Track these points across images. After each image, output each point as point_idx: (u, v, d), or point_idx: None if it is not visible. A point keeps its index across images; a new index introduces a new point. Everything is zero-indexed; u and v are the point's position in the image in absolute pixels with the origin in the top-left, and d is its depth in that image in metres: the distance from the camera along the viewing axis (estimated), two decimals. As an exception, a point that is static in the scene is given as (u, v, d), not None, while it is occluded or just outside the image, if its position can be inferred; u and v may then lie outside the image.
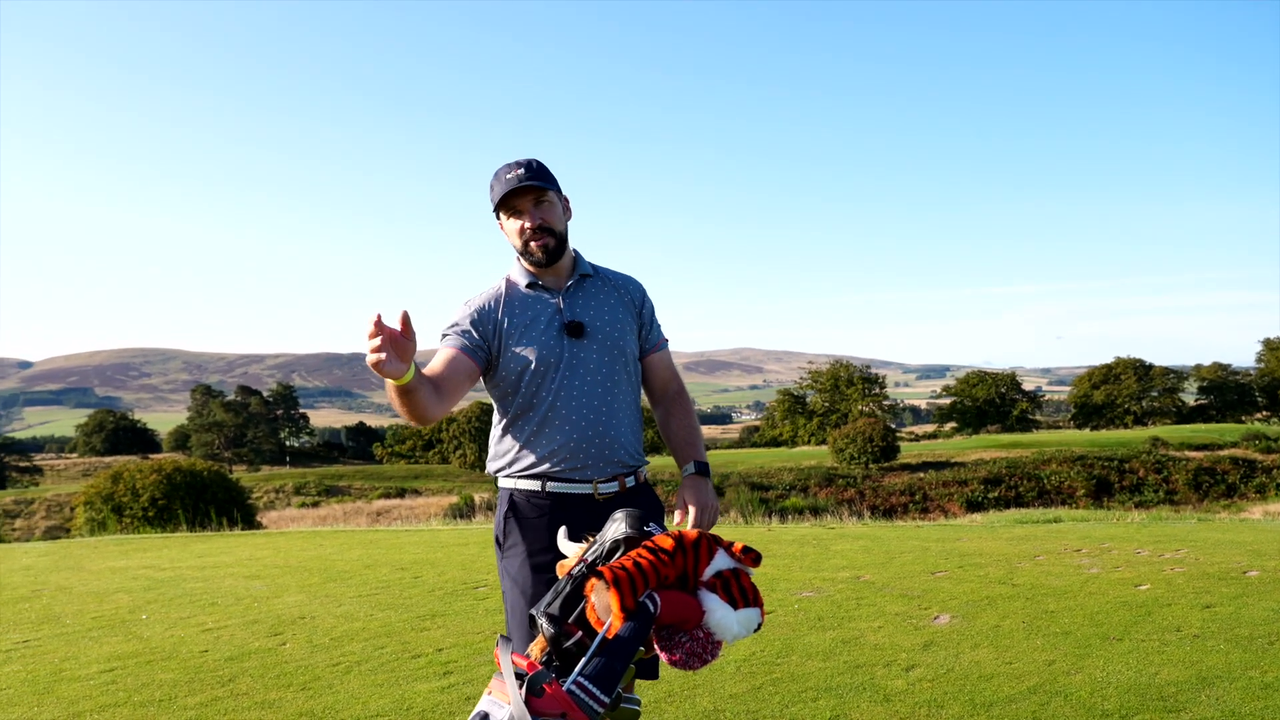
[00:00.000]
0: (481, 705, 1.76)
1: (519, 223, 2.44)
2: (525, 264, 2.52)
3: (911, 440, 67.28)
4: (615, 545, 1.93)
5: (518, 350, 2.43)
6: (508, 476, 2.47)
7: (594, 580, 1.79)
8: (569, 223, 2.54)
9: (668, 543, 1.85)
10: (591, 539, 2.08)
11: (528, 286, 2.51)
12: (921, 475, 44.07)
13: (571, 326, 2.44)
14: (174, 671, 4.55)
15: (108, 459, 75.94)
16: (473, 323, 2.45)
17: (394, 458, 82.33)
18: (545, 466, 2.41)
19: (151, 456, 63.03)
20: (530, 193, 2.42)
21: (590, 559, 1.95)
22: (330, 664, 4.58)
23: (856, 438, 47.53)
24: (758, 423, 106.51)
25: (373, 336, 1.96)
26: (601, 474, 2.41)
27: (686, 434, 2.58)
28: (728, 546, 1.90)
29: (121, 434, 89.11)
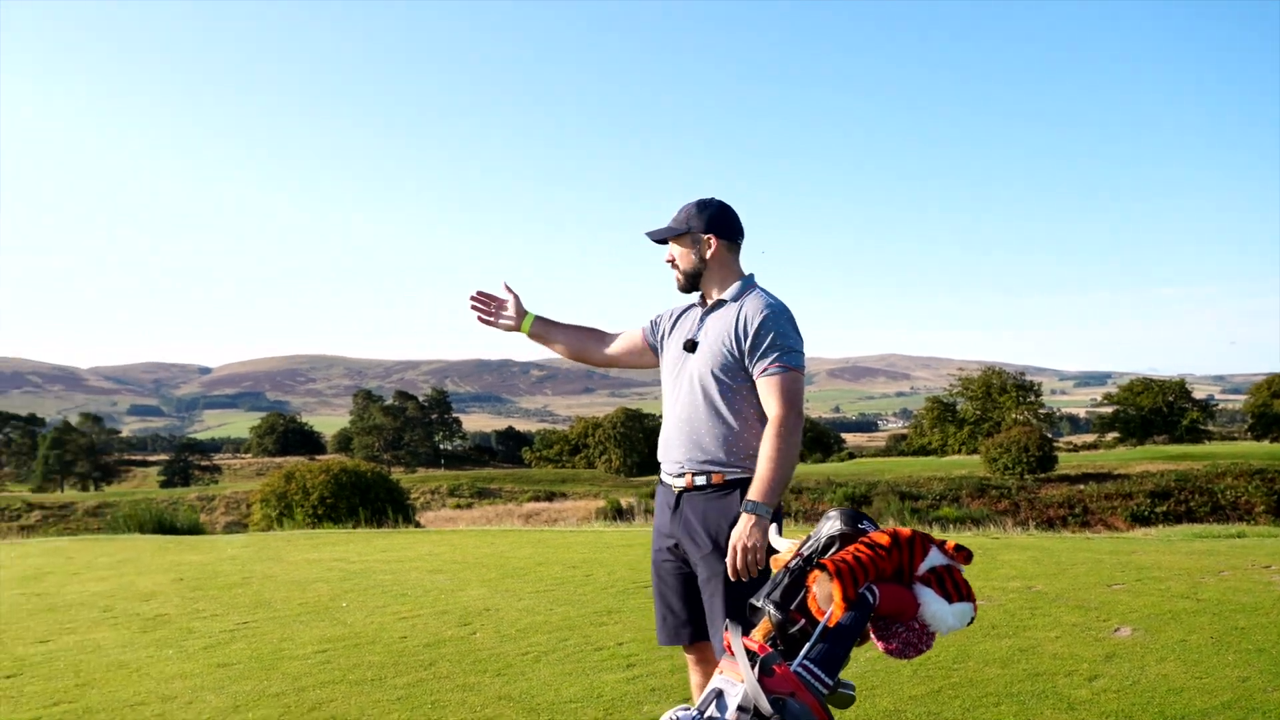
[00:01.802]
0: (715, 683, 1.95)
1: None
2: None
3: (1070, 450, 64.32)
4: (830, 540, 2.09)
5: (663, 354, 3.03)
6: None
7: (816, 572, 1.95)
8: (716, 257, 2.91)
9: (884, 539, 2.00)
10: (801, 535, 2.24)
11: (697, 303, 3.01)
12: (1082, 487, 42.11)
13: (688, 343, 2.89)
14: (379, 655, 4.96)
15: (278, 459, 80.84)
16: (659, 317, 3.12)
17: (542, 461, 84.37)
18: (661, 458, 2.91)
19: (318, 457, 66.63)
20: (666, 237, 2.96)
21: (806, 553, 2.11)
22: (520, 653, 4.88)
23: (1011, 447, 45.84)
24: (905, 431, 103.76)
25: (473, 307, 3.19)
26: (676, 469, 2.83)
27: (757, 468, 2.67)
28: (940, 544, 2.03)
29: (290, 436, 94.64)
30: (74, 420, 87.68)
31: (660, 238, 2.95)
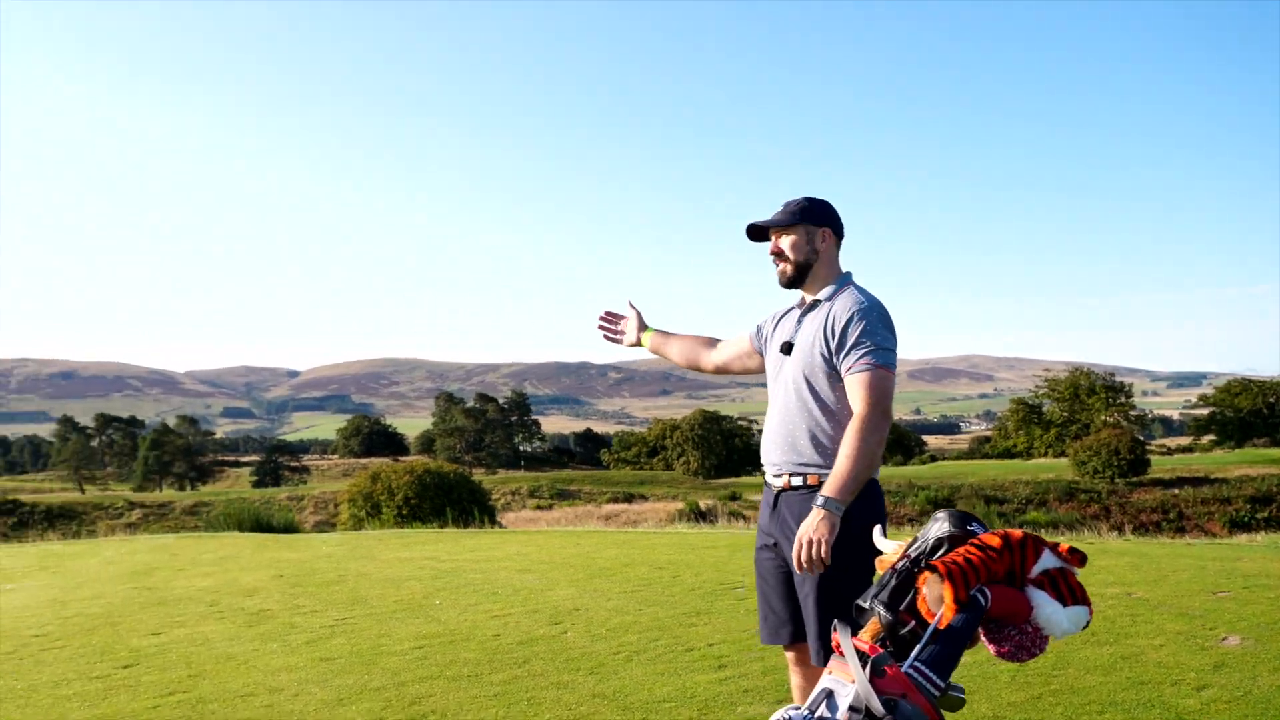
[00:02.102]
0: (824, 682, 1.96)
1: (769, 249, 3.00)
2: None
3: (1163, 454, 62.16)
4: (939, 542, 2.09)
5: (766, 357, 3.08)
6: None
7: (927, 573, 1.95)
8: (826, 252, 2.94)
9: (995, 541, 1.99)
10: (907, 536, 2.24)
11: (797, 305, 3.04)
12: (1176, 491, 40.69)
13: (784, 346, 2.92)
14: (474, 651, 5.06)
15: (364, 460, 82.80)
16: (763, 321, 3.18)
17: (620, 463, 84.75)
18: (763, 460, 2.95)
19: (401, 459, 68.01)
20: (778, 228, 2.93)
21: (913, 554, 2.11)
22: (611, 652, 4.94)
23: (1101, 450, 44.53)
24: (989, 433, 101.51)
25: (601, 326, 3.47)
26: (775, 470, 2.86)
27: (835, 464, 2.65)
28: (1053, 547, 2.01)
29: (375, 437, 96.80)
30: (171, 422, 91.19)
31: (772, 225, 2.92)
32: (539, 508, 53.98)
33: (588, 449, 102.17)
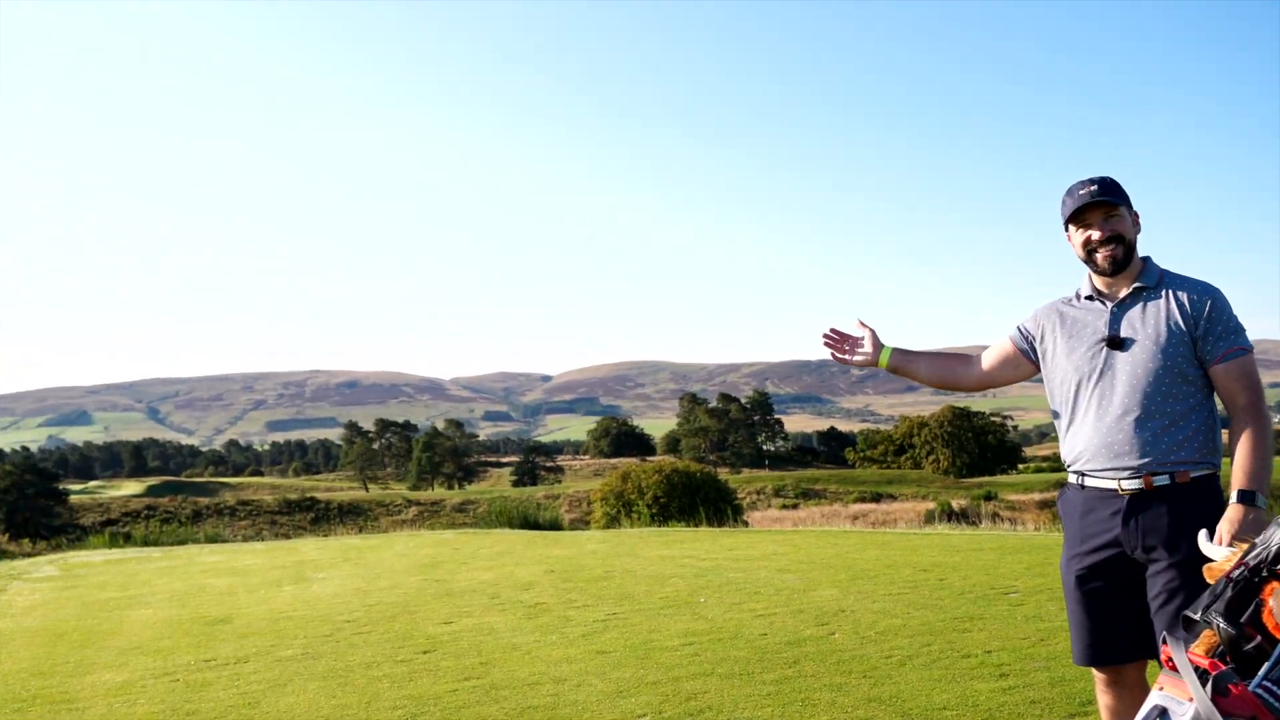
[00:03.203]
0: (1156, 699, 1.82)
1: (1086, 234, 2.68)
2: (1091, 275, 2.77)
3: None
4: (1282, 551, 1.88)
5: (1060, 358, 2.77)
6: (1066, 468, 2.77)
7: (1275, 584, 1.77)
8: (1138, 235, 2.73)
9: (1357, 551, 1.77)
10: (1240, 543, 2.04)
11: (1086, 297, 2.77)
12: None
13: (1112, 340, 2.64)
14: (743, 650, 5.11)
15: (613, 460, 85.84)
16: (1029, 322, 2.93)
17: (866, 462, 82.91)
18: (1079, 463, 2.68)
19: (649, 459, 69.87)
20: (1100, 208, 2.65)
21: (1253, 562, 1.92)
22: (883, 656, 4.83)
23: None
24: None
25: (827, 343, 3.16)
26: (1125, 472, 2.58)
27: (1238, 457, 2.52)
28: None
29: (623, 438, 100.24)
30: (440, 426, 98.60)
31: (1119, 201, 2.65)
32: (784, 507, 53.77)
33: (831, 448, 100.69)
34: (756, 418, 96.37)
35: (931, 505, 42.94)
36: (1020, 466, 79.00)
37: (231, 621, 6.59)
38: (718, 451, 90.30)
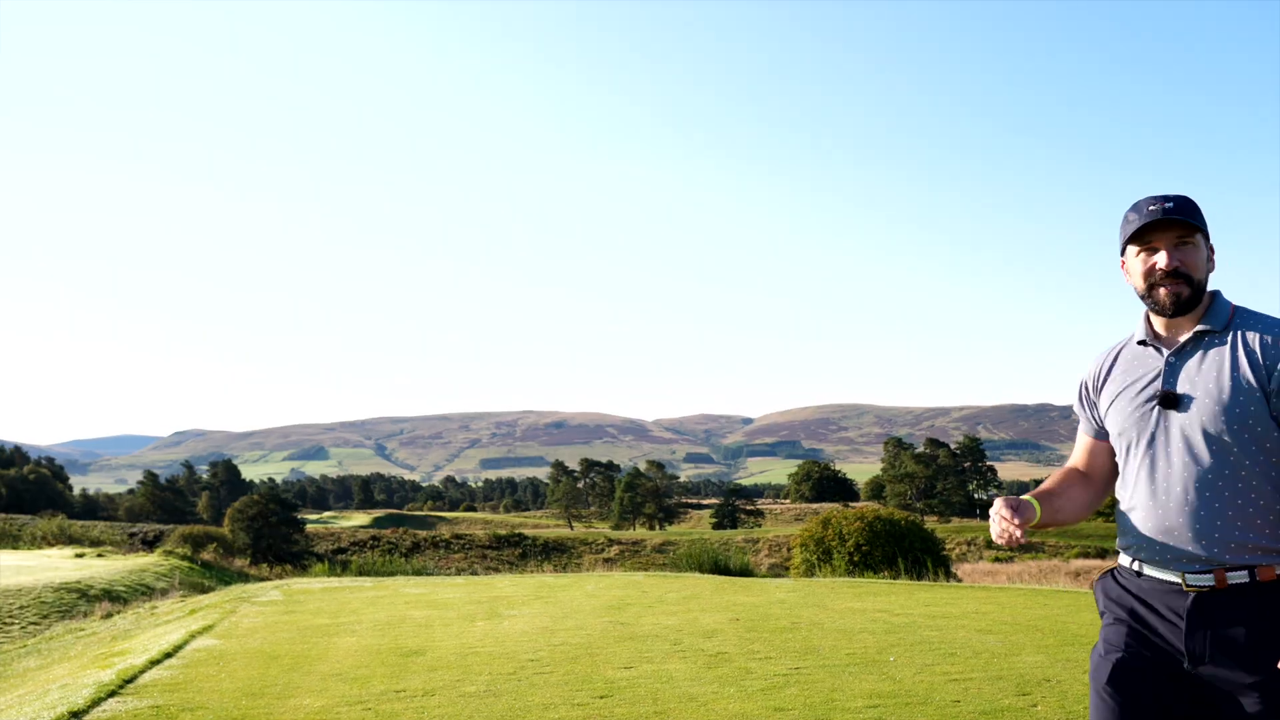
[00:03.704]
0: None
1: (1150, 260, 2.14)
2: (1149, 314, 2.23)
3: None
4: None
5: (1112, 416, 2.24)
6: (1119, 548, 2.26)
7: None
8: (1210, 274, 2.20)
9: None
10: None
11: (1139, 342, 2.23)
12: None
13: (1165, 397, 2.10)
14: (932, 717, 4.76)
15: (814, 505, 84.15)
16: (1083, 398, 2.38)
17: (1092, 514, 77.24)
18: (1136, 545, 2.15)
19: (851, 505, 67.98)
20: (1174, 228, 2.11)
21: None
22: (1091, 734, 4.37)
23: None
24: None
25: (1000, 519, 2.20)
26: (1190, 564, 2.02)
27: None
28: None
29: (825, 483, 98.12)
30: (642, 467, 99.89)
31: (1198, 225, 2.14)
32: (997, 560, 50.75)
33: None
34: (967, 464, 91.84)
35: (1083, 563, 39.36)
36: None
37: (425, 654, 6.82)
38: (925, 499, 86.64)
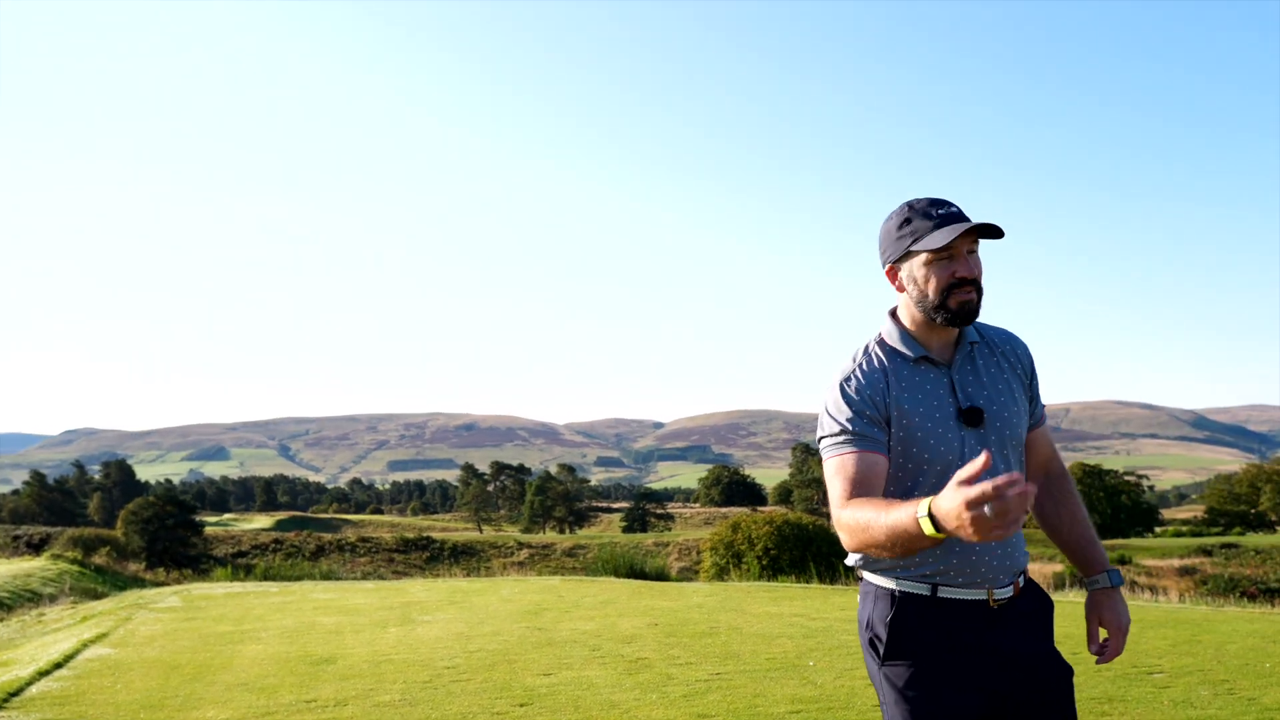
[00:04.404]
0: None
1: (950, 268, 1.97)
2: (916, 324, 2.08)
3: None
4: None
5: (914, 442, 2.01)
6: (888, 574, 2.03)
7: None
8: None
9: None
10: None
11: (919, 359, 2.06)
12: None
13: (969, 414, 2.01)
14: (854, 721, 4.78)
15: (724, 509, 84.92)
16: (869, 416, 1.99)
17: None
18: (937, 573, 1.99)
19: (760, 509, 68.79)
20: (969, 236, 1.98)
21: None
22: (1009, 737, 4.44)
23: None
24: None
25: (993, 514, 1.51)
26: (1000, 580, 2.01)
27: (1084, 530, 2.16)
28: None
29: (734, 487, 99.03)
30: (553, 470, 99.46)
31: (991, 229, 1.97)
32: (902, 564, 52.07)
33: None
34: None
35: (1059, 567, 40.82)
36: (1157, 529, 74.64)
37: (335, 662, 6.59)
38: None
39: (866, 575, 2.09)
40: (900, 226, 2.02)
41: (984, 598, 2.00)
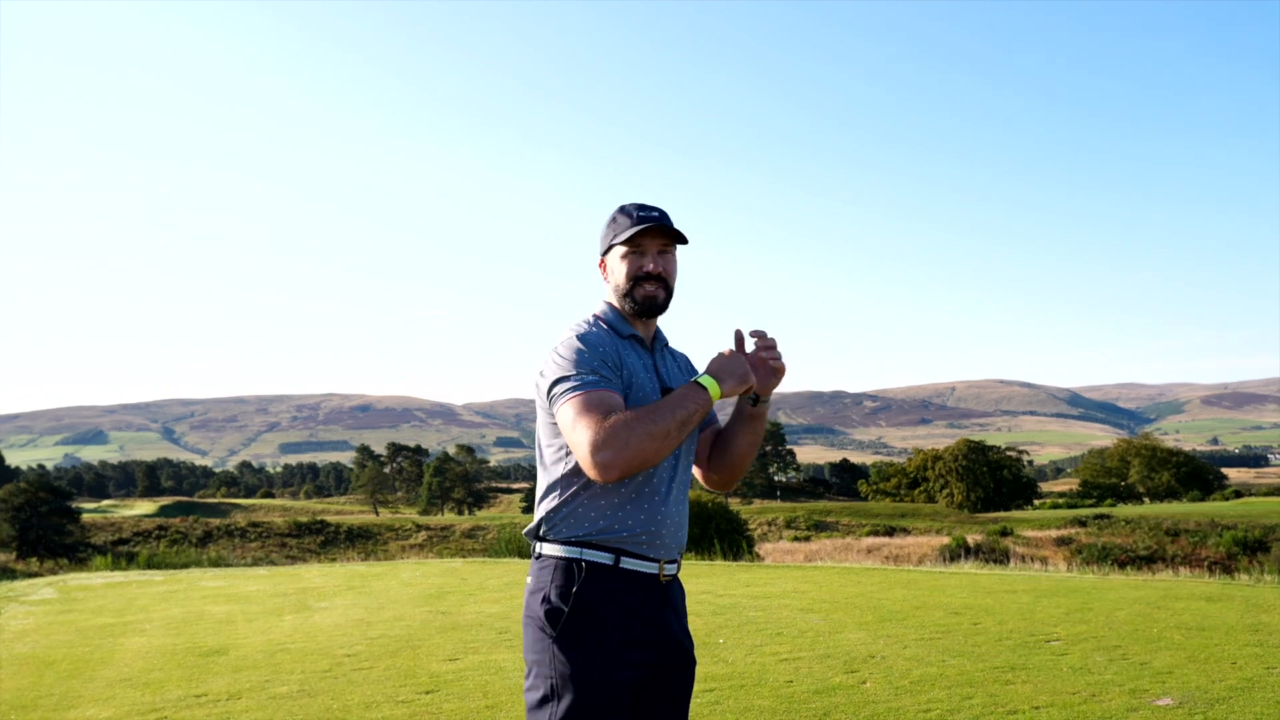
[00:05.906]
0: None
1: (638, 262, 2.26)
2: (619, 313, 2.34)
3: None
4: None
5: (637, 402, 2.20)
6: (568, 543, 2.15)
7: None
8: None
9: None
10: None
11: (629, 336, 2.32)
12: None
13: (665, 393, 2.26)
14: (767, 699, 4.76)
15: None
16: (609, 364, 2.18)
17: (879, 495, 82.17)
18: (623, 540, 2.16)
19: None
20: (661, 237, 2.28)
21: None
22: (919, 710, 4.48)
23: None
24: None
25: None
26: (672, 553, 2.24)
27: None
28: None
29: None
30: (451, 451, 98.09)
31: (681, 240, 2.31)
32: (796, 539, 53.14)
33: (844, 479, 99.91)
34: (768, 448, 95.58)
35: (946, 540, 42.28)
36: (1036, 502, 78.12)
37: (227, 653, 6.27)
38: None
39: (545, 548, 2.19)
40: (610, 224, 2.31)
41: (656, 571, 2.19)
